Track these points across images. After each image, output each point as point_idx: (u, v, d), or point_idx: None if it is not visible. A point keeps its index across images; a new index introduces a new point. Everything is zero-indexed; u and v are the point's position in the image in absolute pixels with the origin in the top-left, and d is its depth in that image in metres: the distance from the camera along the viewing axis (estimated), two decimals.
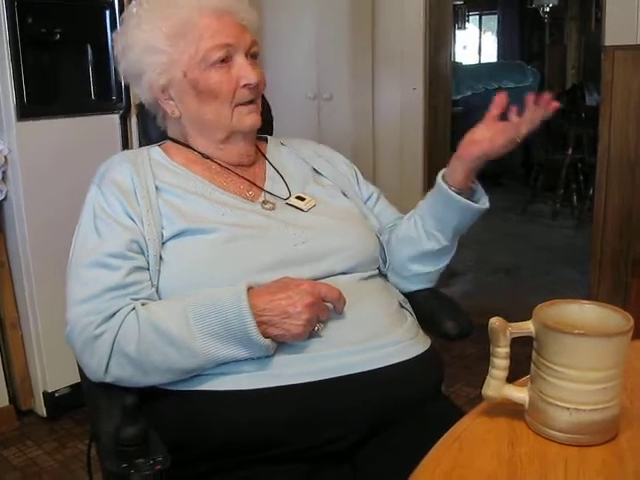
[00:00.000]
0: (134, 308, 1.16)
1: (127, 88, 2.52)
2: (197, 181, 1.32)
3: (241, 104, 1.31)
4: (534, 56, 8.85)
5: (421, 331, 1.35)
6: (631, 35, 2.95)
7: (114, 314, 1.16)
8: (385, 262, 1.45)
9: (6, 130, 2.33)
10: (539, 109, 1.25)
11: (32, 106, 2.33)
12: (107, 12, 2.44)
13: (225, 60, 1.28)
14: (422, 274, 1.47)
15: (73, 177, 2.43)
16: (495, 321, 0.77)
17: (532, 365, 0.76)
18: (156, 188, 1.27)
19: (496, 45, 11.11)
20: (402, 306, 1.38)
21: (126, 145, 2.57)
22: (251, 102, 1.33)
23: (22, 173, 2.36)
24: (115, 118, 2.55)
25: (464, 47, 10.82)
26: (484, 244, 4.99)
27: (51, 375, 2.54)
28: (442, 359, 1.35)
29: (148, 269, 1.21)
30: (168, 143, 1.41)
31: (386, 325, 1.25)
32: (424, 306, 1.45)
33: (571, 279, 4.11)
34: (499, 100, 1.30)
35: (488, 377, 0.79)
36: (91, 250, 1.21)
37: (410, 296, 1.47)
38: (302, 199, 1.36)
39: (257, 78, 1.30)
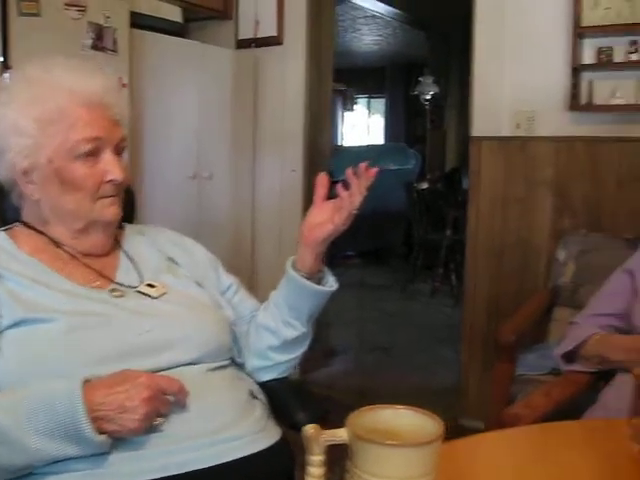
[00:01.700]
0: None
1: None
2: (41, 270, 1.27)
3: (103, 197, 1.29)
4: (418, 139, 9.26)
5: (271, 422, 1.33)
6: (496, 127, 3.13)
7: None
8: (240, 352, 1.44)
9: None
10: (362, 179, 1.28)
11: None
12: None
13: (92, 153, 1.26)
14: (283, 362, 1.48)
15: None
16: (309, 429, 0.76)
17: (347, 473, 0.76)
18: None
19: (384, 127, 11.57)
20: (254, 397, 1.36)
21: None
22: (111, 197, 1.31)
23: None
24: None
25: (352, 127, 11.19)
26: (364, 323, 5.06)
27: None
28: (294, 450, 1.33)
29: None
30: (17, 228, 1.35)
31: (232, 418, 1.23)
32: (278, 395, 1.43)
33: (447, 358, 4.20)
34: (321, 180, 1.34)
35: None
36: None
37: (265, 385, 1.45)
38: (152, 286, 1.34)
39: (123, 175, 1.29)
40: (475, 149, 3.20)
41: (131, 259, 1.39)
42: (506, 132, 3.11)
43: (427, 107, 8.15)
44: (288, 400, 1.45)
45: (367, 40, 9.52)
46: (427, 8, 7.16)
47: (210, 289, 1.44)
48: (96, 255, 1.35)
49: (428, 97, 7.73)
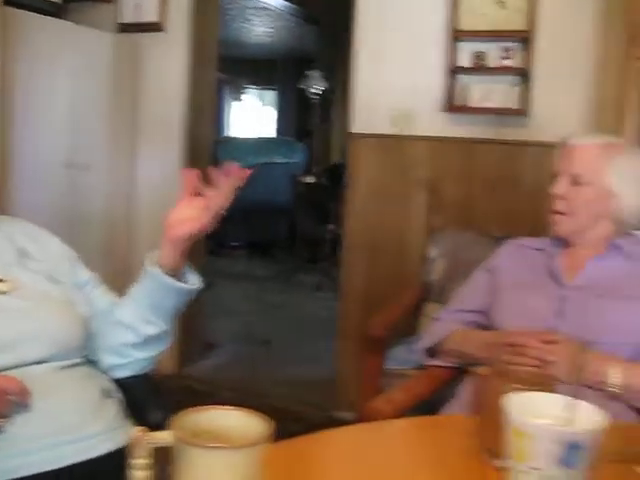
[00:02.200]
0: None
1: None
2: None
3: None
4: (307, 133, 9.30)
5: (127, 423, 1.29)
6: (375, 125, 3.18)
7: None
8: (96, 349, 1.40)
9: None
10: (232, 179, 1.24)
11: None
12: None
13: None
14: (141, 360, 1.42)
15: None
16: (133, 432, 0.74)
17: (172, 476, 0.74)
18: None
19: (276, 120, 11.56)
20: (109, 396, 1.32)
21: None
22: None
23: None
24: None
25: (242, 118, 11.11)
26: (245, 315, 5.05)
27: None
28: None
29: None
30: None
31: (79, 419, 1.20)
32: (133, 393, 1.40)
33: (324, 351, 4.23)
34: (186, 175, 1.28)
35: None
36: None
37: (121, 382, 1.41)
38: (2, 281, 1.28)
39: None
40: (353, 145, 3.24)
41: None
42: (384, 130, 3.16)
43: (315, 102, 8.19)
44: (144, 398, 1.42)
45: (258, 31, 9.46)
46: (319, 4, 7.20)
47: (64, 284, 1.39)
48: None
49: (315, 91, 7.77)
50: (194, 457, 0.69)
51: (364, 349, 2.48)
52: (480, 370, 1.14)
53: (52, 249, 1.45)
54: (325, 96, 8.20)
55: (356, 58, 3.23)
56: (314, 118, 8.93)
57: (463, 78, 3.07)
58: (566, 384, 1.32)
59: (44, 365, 1.22)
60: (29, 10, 3.18)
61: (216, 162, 4.21)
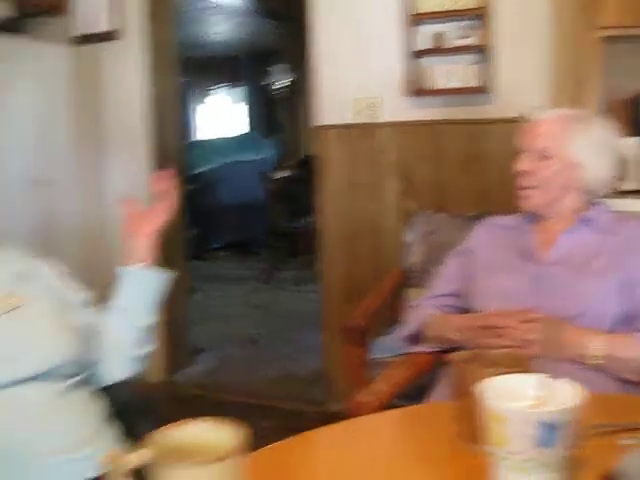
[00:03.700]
0: None
1: None
2: None
3: None
4: (278, 128, 9.26)
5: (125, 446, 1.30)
6: (340, 115, 3.17)
7: None
8: (96, 360, 1.45)
9: None
10: (163, 187, 1.49)
11: None
12: None
13: None
14: (138, 358, 1.51)
15: None
16: (107, 453, 0.73)
17: None
18: None
19: (247, 117, 11.50)
20: (107, 420, 1.33)
21: None
22: None
23: None
24: None
25: (209, 119, 11.03)
26: (230, 317, 5.03)
27: None
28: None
29: None
30: None
31: (81, 439, 1.23)
32: (123, 405, 1.40)
33: (311, 345, 4.22)
34: (126, 209, 1.51)
35: None
36: None
37: (110, 393, 1.42)
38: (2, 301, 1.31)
39: None
40: (320, 137, 3.24)
41: None
42: (349, 119, 3.16)
43: (280, 96, 8.16)
44: (131, 411, 1.45)
45: (217, 30, 9.40)
46: None
47: (61, 301, 1.42)
48: None
49: (281, 86, 7.75)
50: (171, 476, 0.68)
51: (346, 341, 2.47)
52: (454, 356, 1.13)
53: (45, 271, 1.49)
54: (291, 89, 8.17)
55: (315, 49, 3.22)
56: (281, 112, 8.90)
57: (424, 61, 3.06)
58: (547, 361, 1.33)
59: (46, 383, 1.24)
60: None
61: (185, 167, 4.17)
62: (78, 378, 1.33)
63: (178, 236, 3.59)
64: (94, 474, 1.17)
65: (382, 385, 1.73)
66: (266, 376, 3.85)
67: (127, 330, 1.49)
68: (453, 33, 3.02)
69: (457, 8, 2.99)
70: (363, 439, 1.13)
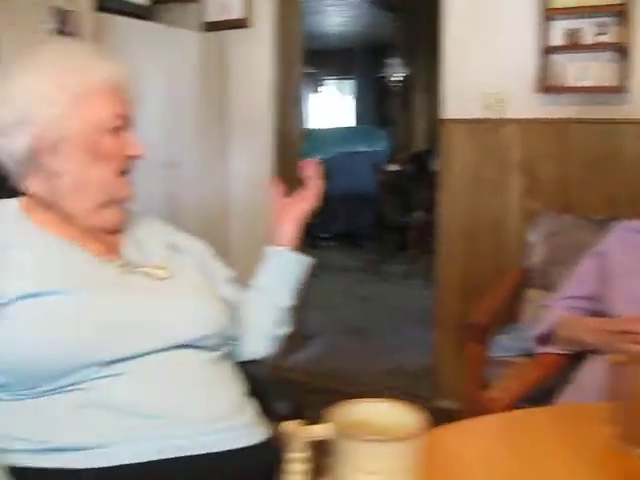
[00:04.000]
0: None
1: None
2: (54, 241, 1.28)
3: (123, 174, 1.33)
4: (388, 121, 9.24)
5: (261, 420, 1.33)
6: (466, 109, 3.14)
7: None
8: (239, 335, 1.48)
9: None
10: (311, 175, 1.51)
11: None
12: None
13: (118, 129, 1.31)
14: (277, 337, 1.55)
15: None
16: (289, 425, 0.75)
17: (331, 469, 0.75)
18: (4, 246, 1.21)
19: (355, 109, 11.53)
20: (247, 395, 1.37)
21: None
22: (128, 173, 1.35)
23: None
24: None
25: (320, 109, 11.13)
26: (337, 306, 5.07)
27: None
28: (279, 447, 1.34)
29: None
30: (26, 199, 1.34)
31: (231, 409, 1.25)
32: (256, 382, 1.43)
33: (418, 339, 4.21)
34: (274, 191, 1.54)
35: None
36: None
37: (245, 371, 1.46)
38: (158, 268, 1.35)
39: (143, 151, 1.35)
40: (445, 131, 3.20)
41: (135, 240, 1.40)
42: (476, 114, 3.11)
43: (396, 89, 8.12)
44: (267, 388, 1.47)
45: (334, 22, 9.46)
46: None
47: (209, 275, 1.46)
48: (107, 232, 1.36)
49: (396, 79, 7.71)
50: (354, 450, 0.70)
51: (467, 337, 2.45)
52: (613, 357, 1.11)
53: (194, 244, 1.53)
54: (406, 83, 8.13)
55: (444, 43, 3.18)
56: (395, 106, 8.87)
57: (556, 57, 2.98)
58: None
59: (201, 353, 1.28)
60: (120, 14, 3.27)
61: (302, 155, 4.23)
62: (223, 351, 1.36)
63: None
64: (243, 444, 1.21)
65: (513, 383, 1.70)
66: (372, 367, 3.86)
67: (267, 309, 1.52)
68: (589, 30, 2.93)
69: (595, 4, 2.90)
70: (515, 434, 1.13)
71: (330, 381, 3.59)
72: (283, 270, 1.53)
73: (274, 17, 3.63)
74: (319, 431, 0.73)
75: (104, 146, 1.29)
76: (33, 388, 1.15)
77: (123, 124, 1.33)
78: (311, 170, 1.51)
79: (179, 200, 3.50)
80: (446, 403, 3.22)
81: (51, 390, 1.14)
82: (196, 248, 1.52)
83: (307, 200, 1.52)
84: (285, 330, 1.56)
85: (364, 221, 6.96)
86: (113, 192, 1.33)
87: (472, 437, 1.13)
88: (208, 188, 3.71)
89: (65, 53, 1.33)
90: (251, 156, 3.72)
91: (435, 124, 3.38)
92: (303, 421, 0.76)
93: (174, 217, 3.40)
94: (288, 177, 3.78)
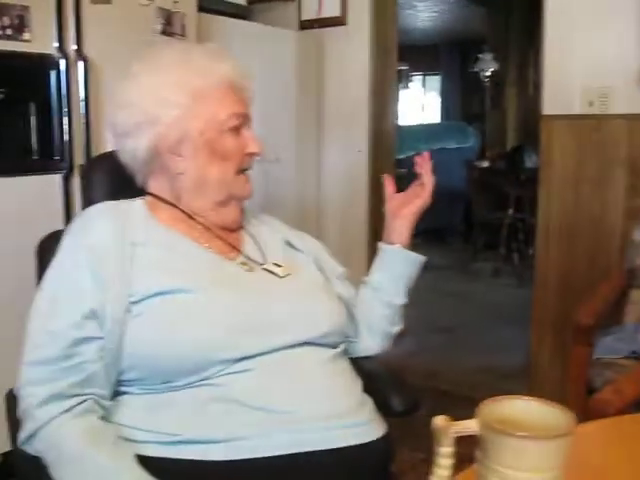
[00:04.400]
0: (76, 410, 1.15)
1: (70, 148, 2.49)
2: (179, 239, 1.32)
3: (242, 171, 1.37)
4: (475, 117, 9.12)
5: (378, 416, 1.33)
6: (568, 104, 3.06)
7: (55, 399, 1.14)
8: (356, 331, 1.51)
9: None
10: (424, 169, 1.50)
11: None
12: (53, 72, 2.43)
13: (237, 128, 1.35)
14: (390, 335, 1.58)
15: (13, 238, 2.38)
16: (438, 420, 0.76)
17: (477, 464, 0.76)
18: (133, 245, 1.25)
19: (440, 105, 11.43)
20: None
21: (68, 206, 2.53)
22: (247, 171, 1.39)
23: None
24: (57, 178, 2.50)
25: (408, 105, 11.07)
26: (427, 303, 5.03)
27: None
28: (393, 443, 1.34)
29: (101, 337, 1.18)
30: (150, 199, 1.39)
31: (352, 404, 1.25)
32: (372, 378, 1.44)
33: (512, 339, 4.16)
34: (387, 181, 1.54)
35: (432, 477, 0.78)
36: (45, 313, 1.20)
37: (359, 367, 1.47)
38: (278, 266, 1.37)
39: (261, 149, 1.39)
40: (546, 128, 3.14)
41: (254, 238, 1.44)
42: (578, 110, 3.04)
43: (486, 84, 8.00)
44: (383, 384, 1.48)
45: (422, 17, 9.40)
46: None
47: (325, 273, 1.48)
48: (228, 229, 1.40)
49: (488, 74, 7.59)
50: (506, 446, 0.70)
51: (572, 338, 2.40)
52: None
53: (310, 241, 1.56)
54: (496, 78, 7.99)
55: (545, 37, 3.12)
56: (482, 101, 8.74)
57: None
58: None
59: (322, 349, 1.29)
60: (220, 14, 3.35)
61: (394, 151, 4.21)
62: (341, 348, 1.37)
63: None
64: (365, 440, 1.22)
65: (629, 384, 1.66)
66: (464, 366, 3.82)
67: (381, 307, 1.52)
68: None
69: None
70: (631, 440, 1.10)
71: (424, 379, 3.57)
72: (397, 268, 1.53)
73: (370, 14, 3.64)
74: (469, 426, 0.74)
75: (224, 145, 1.33)
76: (164, 383, 1.18)
77: (242, 123, 1.36)
78: (424, 166, 1.50)
79: (276, 197, 3.56)
80: None
81: (181, 385, 1.17)
82: (311, 245, 1.54)
83: (421, 197, 1.51)
84: (398, 327, 1.58)
85: (452, 218, 6.90)
86: (233, 190, 1.36)
87: (592, 441, 1.11)
88: (304, 184, 3.75)
89: (185, 54, 1.36)
90: (346, 152, 3.75)
91: (527, 120, 3.31)
92: (448, 416, 0.77)
93: (271, 211, 3.46)
94: (381, 174, 3.83)
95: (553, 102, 3.11)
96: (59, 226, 2.47)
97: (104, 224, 1.27)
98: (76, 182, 2.54)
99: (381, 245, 1.55)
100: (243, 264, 1.34)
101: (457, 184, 6.43)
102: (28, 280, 2.26)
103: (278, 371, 1.21)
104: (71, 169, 2.52)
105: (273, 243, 1.45)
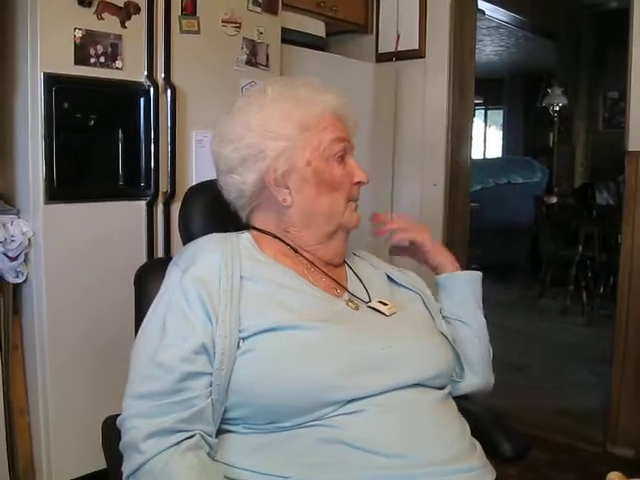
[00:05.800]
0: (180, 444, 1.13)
1: (156, 175, 2.52)
2: (286, 274, 1.29)
3: (350, 201, 1.36)
4: (539, 152, 8.99)
5: (487, 460, 1.28)
6: None
7: (162, 433, 1.12)
8: (461, 369, 1.47)
9: (32, 212, 2.31)
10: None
11: (61, 189, 2.30)
12: (142, 99, 2.46)
13: (342, 156, 1.34)
14: (489, 364, 1.57)
15: (97, 263, 2.40)
16: (614, 476, 0.71)
17: None
18: (242, 279, 1.23)
19: (501, 140, 11.32)
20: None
21: (151, 233, 2.54)
22: (355, 201, 1.37)
23: (45, 256, 2.31)
24: (142, 205, 2.53)
25: (477, 138, 10.99)
26: (492, 340, 4.92)
27: (57, 466, 2.43)
28: None
29: (210, 373, 1.16)
30: (255, 232, 1.37)
31: (466, 448, 1.21)
32: (478, 422, 1.38)
33: (585, 380, 4.04)
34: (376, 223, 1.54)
35: None
36: (154, 346, 1.18)
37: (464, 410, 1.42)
38: (384, 304, 1.34)
39: (367, 178, 1.37)
40: (631, 164, 3.05)
41: (357, 274, 1.41)
42: None
43: (555, 119, 7.89)
44: (491, 428, 1.43)
45: (488, 51, 9.37)
46: (557, 16, 6.96)
47: (431, 309, 1.45)
48: (332, 264, 1.38)
49: (557, 108, 7.50)
50: None
51: None
52: None
53: (413, 275, 1.54)
54: (564, 112, 7.89)
55: (631, 71, 3.04)
56: (548, 135, 8.61)
57: None
58: None
59: (433, 391, 1.25)
60: (300, 46, 3.37)
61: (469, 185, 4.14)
62: (448, 389, 1.32)
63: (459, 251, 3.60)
64: None
65: None
66: (537, 406, 3.71)
67: (469, 336, 1.49)
68: None
69: None
70: None
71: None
72: (462, 292, 1.51)
73: (449, 47, 3.62)
74: None
75: (332, 174, 1.31)
76: (270, 423, 1.15)
77: (346, 150, 1.34)
78: (387, 224, 1.54)
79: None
80: (620, 450, 3.05)
81: (290, 426, 1.14)
82: (413, 281, 1.50)
83: (417, 232, 1.54)
84: (490, 352, 1.56)
85: (517, 254, 6.78)
86: (342, 220, 1.34)
87: None
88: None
89: (290, 89, 1.35)
90: (422, 186, 3.71)
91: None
92: (619, 473, 0.72)
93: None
94: (455, 207, 3.78)
95: (638, 138, 3.03)
96: (142, 252, 2.53)
97: (214, 256, 1.25)
98: (160, 209, 2.56)
99: (437, 278, 1.53)
100: (349, 302, 1.32)
101: (523, 220, 6.34)
102: (117, 306, 2.28)
103: (388, 413, 1.17)
104: (155, 196, 2.54)
105: (376, 279, 1.43)
